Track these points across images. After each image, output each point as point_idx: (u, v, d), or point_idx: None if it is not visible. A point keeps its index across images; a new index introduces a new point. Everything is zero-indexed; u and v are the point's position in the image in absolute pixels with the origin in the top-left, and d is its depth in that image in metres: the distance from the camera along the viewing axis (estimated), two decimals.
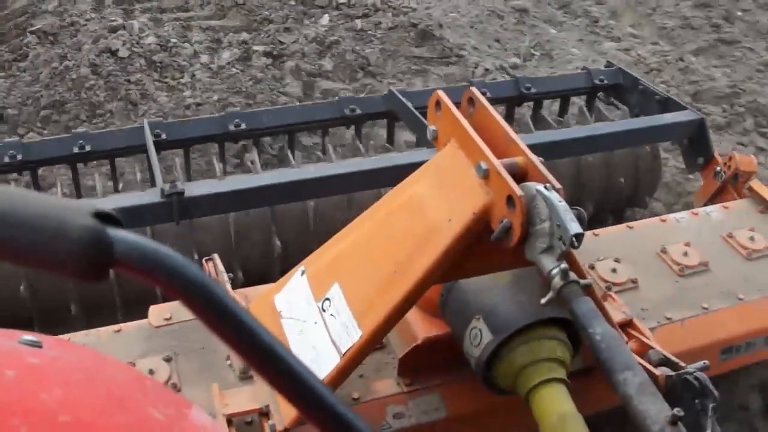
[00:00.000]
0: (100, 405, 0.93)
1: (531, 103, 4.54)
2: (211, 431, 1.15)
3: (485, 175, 2.01)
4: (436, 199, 2.17)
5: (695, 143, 4.07)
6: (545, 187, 1.94)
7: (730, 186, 3.80)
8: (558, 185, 1.95)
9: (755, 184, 3.68)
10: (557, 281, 1.93)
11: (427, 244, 2.09)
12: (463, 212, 2.04)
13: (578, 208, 1.96)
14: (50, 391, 0.88)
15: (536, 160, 2.04)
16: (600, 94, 4.59)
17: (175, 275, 0.86)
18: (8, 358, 0.92)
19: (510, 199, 1.92)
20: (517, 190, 1.90)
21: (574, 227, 1.88)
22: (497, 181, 1.98)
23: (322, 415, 0.92)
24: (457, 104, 2.29)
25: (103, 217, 0.85)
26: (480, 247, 2.06)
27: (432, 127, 2.29)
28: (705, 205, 3.87)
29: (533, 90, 4.37)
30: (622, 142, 4.12)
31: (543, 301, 1.96)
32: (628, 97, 4.47)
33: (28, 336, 0.99)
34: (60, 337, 2.40)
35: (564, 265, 1.93)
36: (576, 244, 1.89)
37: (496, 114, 2.19)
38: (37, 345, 0.98)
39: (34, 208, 0.82)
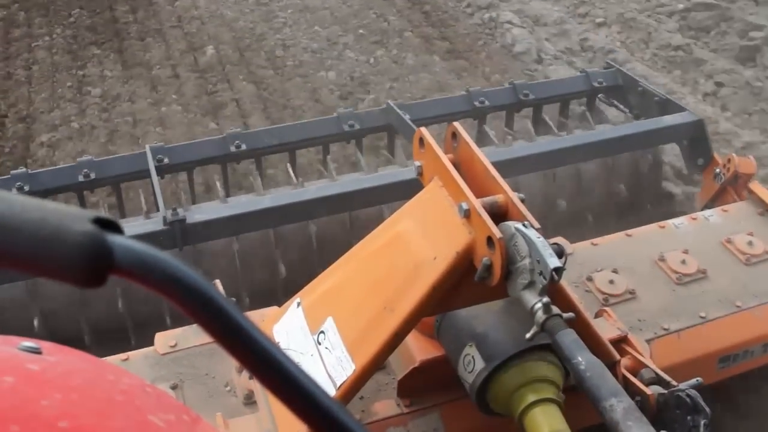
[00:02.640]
0: (100, 411, 0.92)
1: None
2: None
3: (466, 215, 2.05)
4: (421, 236, 2.21)
5: (695, 144, 4.09)
6: (523, 225, 1.98)
7: (730, 187, 3.81)
8: (537, 224, 2.00)
9: (755, 186, 3.68)
10: (540, 315, 1.97)
11: (414, 281, 2.14)
12: (447, 251, 2.09)
13: (557, 243, 2.01)
14: (50, 398, 0.88)
15: (516, 197, 2.08)
16: (600, 95, 4.60)
17: (175, 282, 0.84)
18: (7, 365, 0.92)
19: (490, 240, 1.97)
20: (495, 231, 1.94)
21: (554, 261, 1.91)
22: (478, 222, 2.02)
23: (326, 425, 0.90)
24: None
25: (103, 223, 0.82)
26: (465, 282, 2.10)
27: (417, 163, 2.34)
28: (705, 206, 3.88)
29: (531, 96, 4.39)
30: (623, 146, 4.14)
31: (528, 336, 2.00)
32: (628, 99, 4.49)
33: (28, 342, 0.99)
34: None
35: (546, 299, 1.96)
36: (556, 278, 1.93)
37: (478, 150, 2.23)
38: (36, 351, 0.98)
39: (33, 214, 0.80)
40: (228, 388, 2.62)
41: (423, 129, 2.30)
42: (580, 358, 1.96)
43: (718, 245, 3.35)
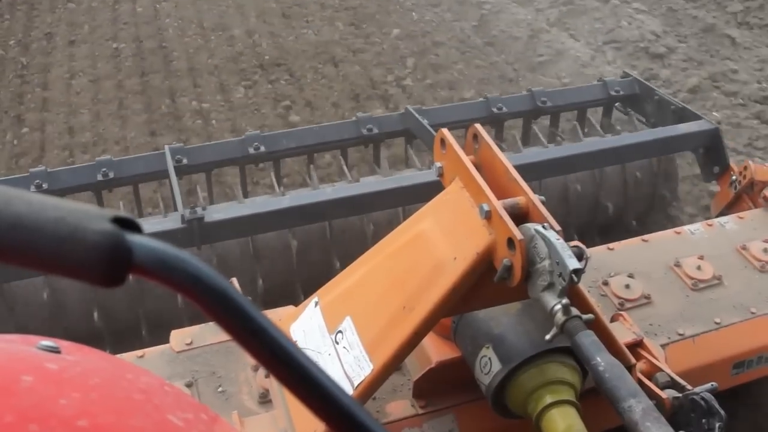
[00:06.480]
0: (119, 410, 0.92)
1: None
2: None
3: (487, 216, 2.06)
4: (441, 237, 2.22)
5: (711, 152, 4.10)
6: (543, 227, 2.00)
7: (746, 195, 3.81)
8: (557, 226, 2.01)
9: None
10: (559, 317, 1.98)
11: (433, 281, 2.15)
12: (467, 251, 2.10)
13: (578, 245, 2.02)
14: (68, 397, 0.88)
15: (536, 199, 2.09)
16: (617, 104, 4.62)
17: (194, 281, 0.85)
18: (26, 364, 0.92)
19: (510, 241, 1.98)
20: (516, 233, 1.95)
21: (573, 263, 1.92)
22: (498, 223, 2.03)
23: (344, 423, 0.91)
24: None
25: (122, 222, 0.83)
26: (485, 283, 2.11)
27: (438, 164, 2.35)
28: (721, 213, 3.89)
29: (549, 103, 4.41)
30: (638, 153, 4.16)
31: (547, 337, 2.01)
32: (644, 108, 4.50)
33: (47, 341, 0.99)
34: None
35: (565, 301, 1.97)
36: (575, 279, 1.94)
37: (499, 152, 2.24)
38: (55, 350, 0.98)
39: (52, 213, 0.80)
40: (243, 386, 2.63)
41: (445, 130, 2.32)
42: (599, 359, 1.98)
43: (734, 252, 3.35)
